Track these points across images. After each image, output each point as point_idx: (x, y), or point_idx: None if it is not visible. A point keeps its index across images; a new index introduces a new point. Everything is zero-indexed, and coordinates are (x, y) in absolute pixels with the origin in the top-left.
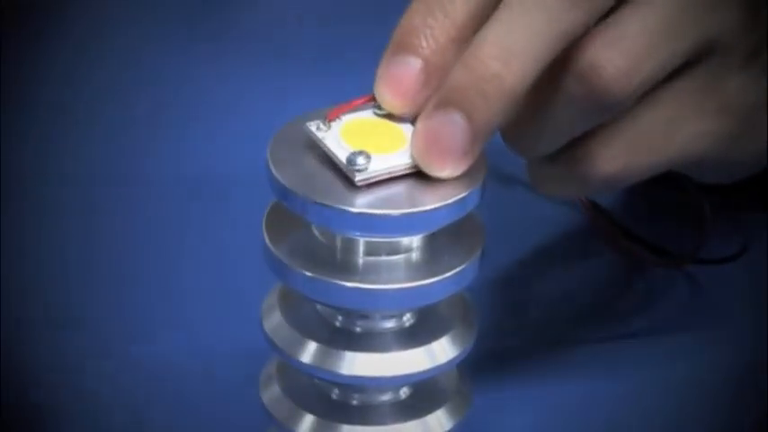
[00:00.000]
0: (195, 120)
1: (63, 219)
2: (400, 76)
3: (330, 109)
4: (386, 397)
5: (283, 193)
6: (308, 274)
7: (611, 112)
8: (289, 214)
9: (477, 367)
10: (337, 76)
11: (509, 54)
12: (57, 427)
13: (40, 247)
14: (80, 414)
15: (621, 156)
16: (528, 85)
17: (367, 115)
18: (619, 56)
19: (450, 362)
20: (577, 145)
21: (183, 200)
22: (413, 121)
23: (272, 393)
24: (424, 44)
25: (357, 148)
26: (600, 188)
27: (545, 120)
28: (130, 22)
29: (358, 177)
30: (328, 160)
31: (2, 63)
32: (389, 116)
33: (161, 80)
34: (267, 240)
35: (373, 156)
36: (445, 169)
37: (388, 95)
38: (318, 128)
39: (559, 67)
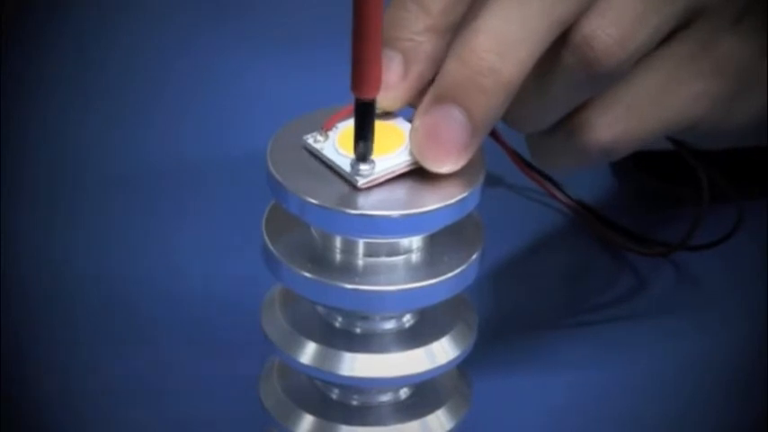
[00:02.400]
0: (195, 113)
1: (61, 213)
2: (383, 72)
3: (328, 110)
4: (386, 397)
5: (282, 194)
6: (308, 275)
7: (608, 81)
8: (288, 215)
9: (471, 360)
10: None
11: (505, 46)
12: (56, 425)
13: (37, 244)
14: (79, 413)
15: (619, 122)
16: (525, 74)
17: None
18: (611, 25)
19: (450, 362)
20: (574, 115)
21: (182, 198)
22: (410, 119)
23: (272, 393)
24: (400, 36)
25: None
26: (599, 157)
27: (542, 94)
28: (131, 8)
29: (360, 182)
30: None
31: (6, 46)
32: (384, 116)
33: (163, 67)
34: (267, 241)
35: (374, 159)
36: (445, 164)
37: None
38: (316, 140)
39: (554, 41)
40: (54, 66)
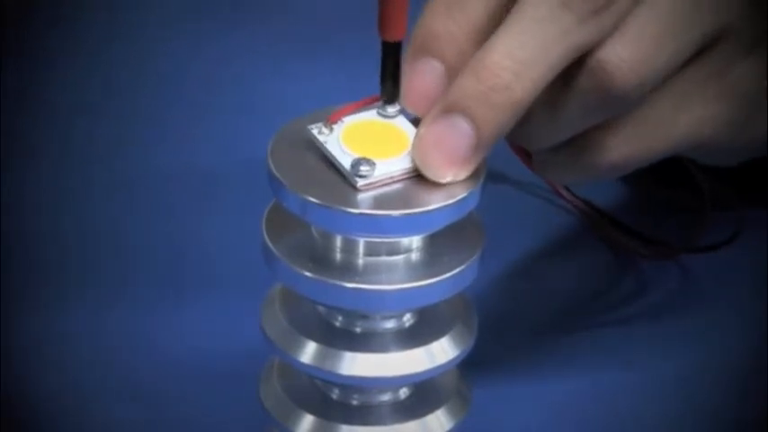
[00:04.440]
0: (204, 118)
1: (64, 212)
2: (423, 80)
3: (332, 109)
4: (386, 397)
5: (283, 193)
6: (308, 274)
7: (623, 107)
8: (289, 214)
9: (472, 362)
10: (349, 67)
11: (520, 66)
12: (56, 426)
13: (40, 242)
14: (77, 414)
15: (627, 143)
16: (537, 95)
17: (369, 116)
18: (626, 51)
19: (449, 362)
20: (583, 134)
21: (182, 197)
22: (415, 123)
23: (272, 393)
24: (446, 47)
25: (359, 153)
26: (605, 175)
27: (555, 115)
28: (139, 10)
29: (360, 183)
30: (329, 161)
31: (12, 45)
32: (393, 117)
33: (170, 68)
34: (267, 240)
35: (375, 161)
36: (447, 175)
37: (411, 99)
38: (320, 131)
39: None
40: (61, 71)
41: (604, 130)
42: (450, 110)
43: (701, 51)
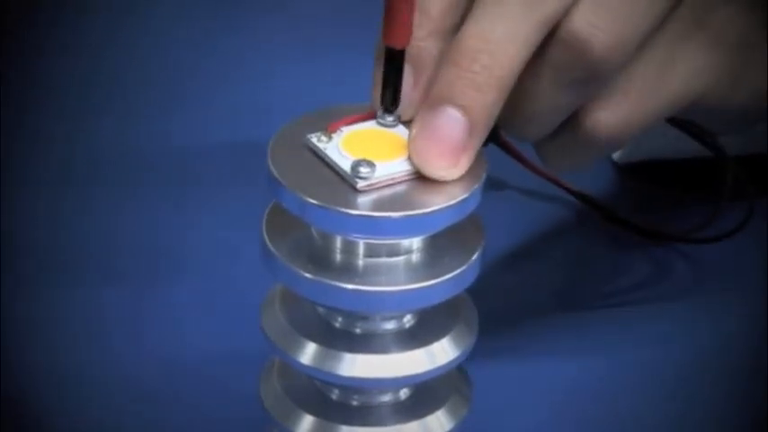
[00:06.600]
0: (200, 112)
1: (62, 211)
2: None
3: (332, 108)
4: (386, 397)
5: (283, 194)
6: (308, 275)
7: (603, 73)
8: (289, 215)
9: (472, 360)
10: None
11: (495, 45)
12: (54, 426)
13: (38, 240)
14: (78, 414)
15: (619, 109)
16: (516, 72)
17: (368, 126)
18: (593, 15)
19: (450, 363)
20: (575, 113)
21: (183, 197)
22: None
23: (271, 393)
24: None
25: (359, 157)
26: (608, 147)
27: (540, 95)
28: (140, 10)
29: (360, 184)
30: (329, 165)
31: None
32: (393, 126)
33: (172, 67)
34: (267, 240)
35: (376, 162)
36: (446, 167)
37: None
38: (319, 140)
39: (543, 39)
40: (63, 71)
41: (595, 104)
42: (437, 102)
43: (674, 7)
